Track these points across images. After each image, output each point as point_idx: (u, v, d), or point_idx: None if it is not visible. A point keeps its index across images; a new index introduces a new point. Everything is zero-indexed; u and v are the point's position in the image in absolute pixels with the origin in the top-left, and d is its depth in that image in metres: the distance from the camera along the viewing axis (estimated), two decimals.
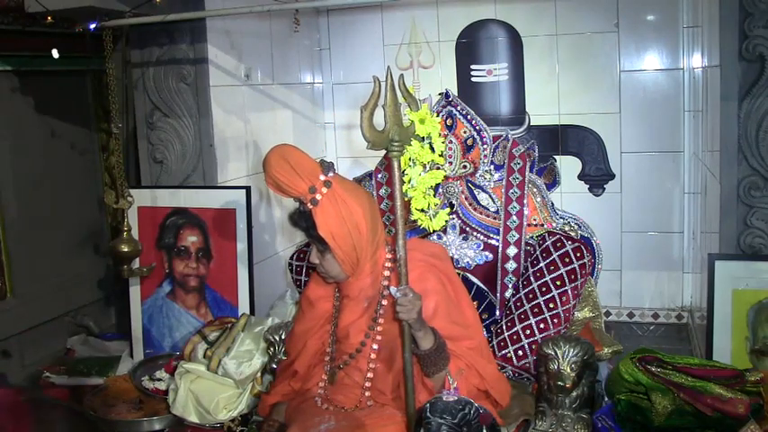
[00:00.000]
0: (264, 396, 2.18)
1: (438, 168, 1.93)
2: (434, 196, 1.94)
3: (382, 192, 2.55)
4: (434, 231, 2.30)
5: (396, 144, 1.71)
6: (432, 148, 1.95)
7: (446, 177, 2.47)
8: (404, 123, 1.75)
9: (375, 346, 1.96)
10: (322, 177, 1.88)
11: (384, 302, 1.96)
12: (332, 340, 2.06)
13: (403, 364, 1.81)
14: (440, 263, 2.03)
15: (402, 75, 1.77)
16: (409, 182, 1.87)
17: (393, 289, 1.74)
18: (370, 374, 1.96)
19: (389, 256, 1.99)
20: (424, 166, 2.00)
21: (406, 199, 1.80)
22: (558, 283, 2.24)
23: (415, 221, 2.01)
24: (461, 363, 1.90)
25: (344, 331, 2.00)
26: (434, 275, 1.97)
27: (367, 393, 1.96)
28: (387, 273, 1.97)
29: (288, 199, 1.99)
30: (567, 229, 2.39)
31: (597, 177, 3.23)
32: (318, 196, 1.87)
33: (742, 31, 2.17)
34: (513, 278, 2.37)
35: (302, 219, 1.91)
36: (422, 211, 2.03)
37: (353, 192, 1.94)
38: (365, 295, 1.98)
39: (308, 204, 1.87)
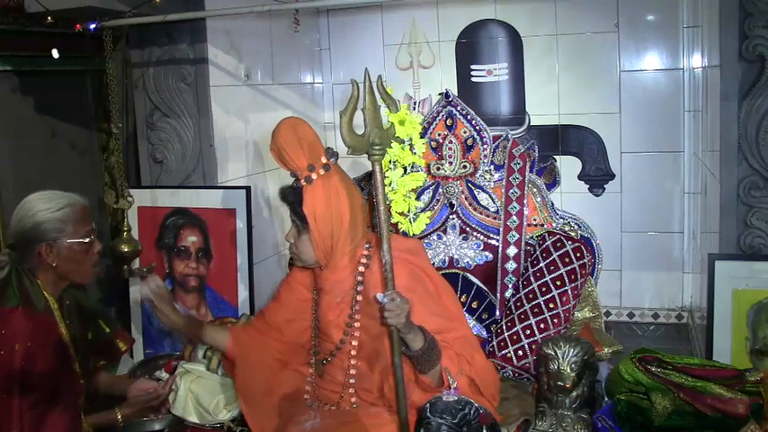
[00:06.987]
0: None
1: (419, 171, 1.91)
2: (416, 199, 1.93)
3: None
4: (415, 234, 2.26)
5: (377, 148, 1.68)
6: (412, 150, 1.95)
7: (446, 177, 2.47)
8: (383, 126, 1.72)
9: (354, 343, 1.97)
10: (323, 160, 1.92)
11: (359, 298, 1.97)
12: (314, 334, 2.08)
13: (393, 369, 1.78)
14: (414, 258, 2.01)
15: (380, 76, 1.75)
16: (389, 184, 1.86)
17: (380, 295, 1.72)
18: (352, 371, 1.97)
19: (366, 252, 2.00)
20: (405, 169, 2.00)
21: (388, 203, 1.78)
22: (558, 283, 2.24)
23: (396, 224, 2.00)
24: (451, 351, 1.90)
25: (325, 328, 2.02)
26: (407, 270, 1.94)
27: (351, 390, 1.97)
28: (362, 269, 1.98)
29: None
30: (567, 229, 2.39)
31: (597, 177, 3.23)
32: (314, 176, 1.90)
33: (742, 31, 2.17)
34: (513, 278, 2.37)
35: (292, 193, 1.96)
36: (402, 214, 2.03)
37: (347, 185, 1.97)
38: (340, 289, 2.00)
39: (302, 181, 1.91)
